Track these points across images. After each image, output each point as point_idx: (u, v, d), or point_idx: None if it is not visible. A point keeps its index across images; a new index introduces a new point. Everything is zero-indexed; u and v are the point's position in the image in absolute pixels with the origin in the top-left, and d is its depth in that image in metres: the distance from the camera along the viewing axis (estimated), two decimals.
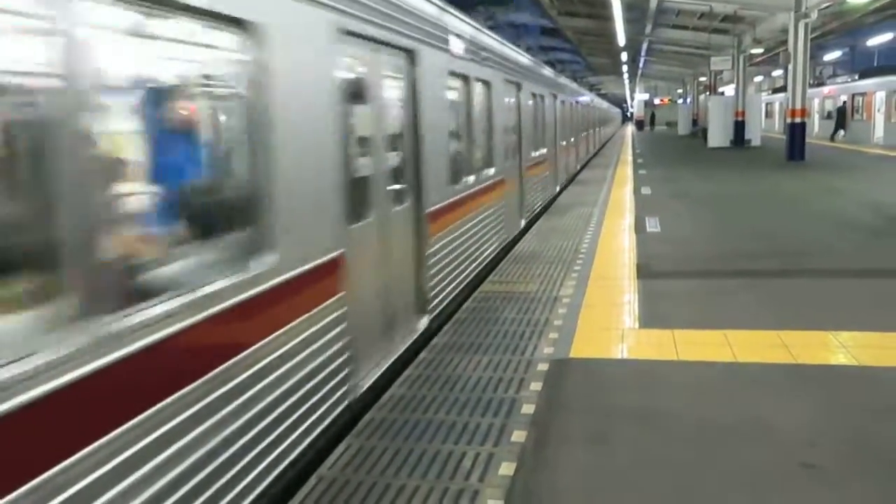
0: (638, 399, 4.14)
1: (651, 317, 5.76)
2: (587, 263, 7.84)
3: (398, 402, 4.19)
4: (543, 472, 3.34)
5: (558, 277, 7.22)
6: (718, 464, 3.36)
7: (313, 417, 3.56)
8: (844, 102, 31.99)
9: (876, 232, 9.36)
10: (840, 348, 4.88)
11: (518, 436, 3.69)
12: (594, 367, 4.72)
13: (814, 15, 20.05)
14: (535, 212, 11.95)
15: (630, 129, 62.51)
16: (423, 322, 5.51)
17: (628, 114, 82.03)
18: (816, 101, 36.27)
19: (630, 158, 25.27)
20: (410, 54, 5.26)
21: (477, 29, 7.85)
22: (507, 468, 3.36)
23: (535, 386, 4.36)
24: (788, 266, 7.53)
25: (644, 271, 7.36)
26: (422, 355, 5.03)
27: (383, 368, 4.64)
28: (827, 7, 20.16)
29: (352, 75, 4.32)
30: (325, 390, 3.68)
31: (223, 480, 2.76)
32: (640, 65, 47.68)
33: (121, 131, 2.52)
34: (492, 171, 8.26)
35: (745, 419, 3.82)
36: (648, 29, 29.18)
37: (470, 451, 3.54)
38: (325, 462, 3.51)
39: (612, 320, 5.72)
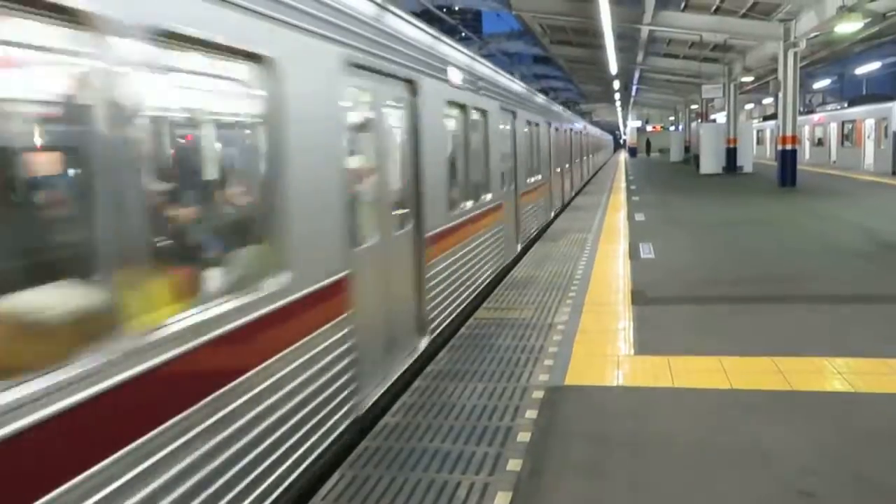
0: (634, 427, 4.11)
1: (646, 343, 5.75)
2: (582, 289, 7.85)
3: (392, 431, 4.15)
4: (539, 501, 3.30)
5: (553, 304, 7.21)
6: (716, 493, 3.34)
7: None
8: None
9: (869, 257, 9.41)
10: (835, 374, 4.88)
11: (513, 464, 3.66)
12: (589, 394, 4.70)
13: (802, 44, 20.37)
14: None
15: (623, 155, 63.10)
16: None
17: (621, 141, 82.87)
18: (807, 129, 36.70)
19: (623, 185, 25.43)
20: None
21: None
22: (502, 498, 3.32)
23: (531, 414, 4.33)
24: (783, 292, 7.54)
25: (638, 297, 7.37)
26: (416, 382, 5.00)
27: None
28: (815, 36, 20.47)
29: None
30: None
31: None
32: (633, 92, 48.18)
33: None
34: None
35: (742, 447, 3.79)
36: (640, 57, 29.53)
37: (465, 481, 3.50)
38: (318, 492, 3.47)
39: (607, 347, 5.70)
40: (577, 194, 21.88)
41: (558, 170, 16.70)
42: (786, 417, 4.18)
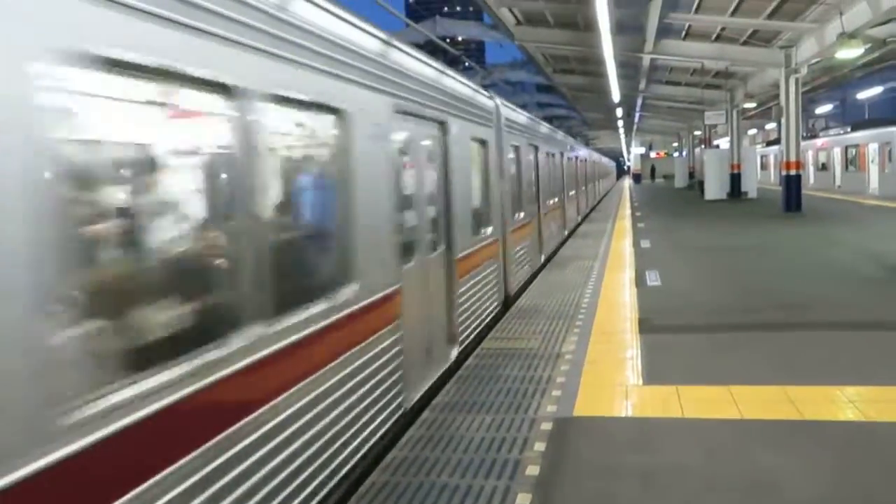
0: (644, 459, 4.07)
1: (654, 373, 5.71)
2: (589, 318, 7.82)
3: (400, 465, 4.11)
4: None
5: (560, 333, 7.18)
6: None
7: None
8: None
9: (877, 283, 9.37)
10: (847, 403, 4.83)
11: (522, 499, 3.62)
12: (598, 425, 4.66)
13: (803, 70, 20.51)
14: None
15: (627, 181, 63.29)
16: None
17: (625, 167, 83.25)
18: (811, 154, 36.78)
19: (628, 212, 25.47)
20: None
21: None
22: None
23: (539, 446, 4.29)
24: (791, 319, 7.50)
25: (646, 326, 7.34)
26: (424, 415, 4.98)
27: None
28: (816, 62, 20.62)
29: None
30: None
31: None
32: (636, 119, 48.47)
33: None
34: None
35: (753, 479, 3.74)
36: (642, 85, 29.78)
37: None
38: None
39: (615, 377, 5.67)
40: (582, 221, 21.92)
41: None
42: (798, 448, 4.13)
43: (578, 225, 19.99)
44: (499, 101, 9.43)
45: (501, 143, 9.03)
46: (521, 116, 11.47)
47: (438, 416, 4.92)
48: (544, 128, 14.56)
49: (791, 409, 4.73)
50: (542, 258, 12.39)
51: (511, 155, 9.77)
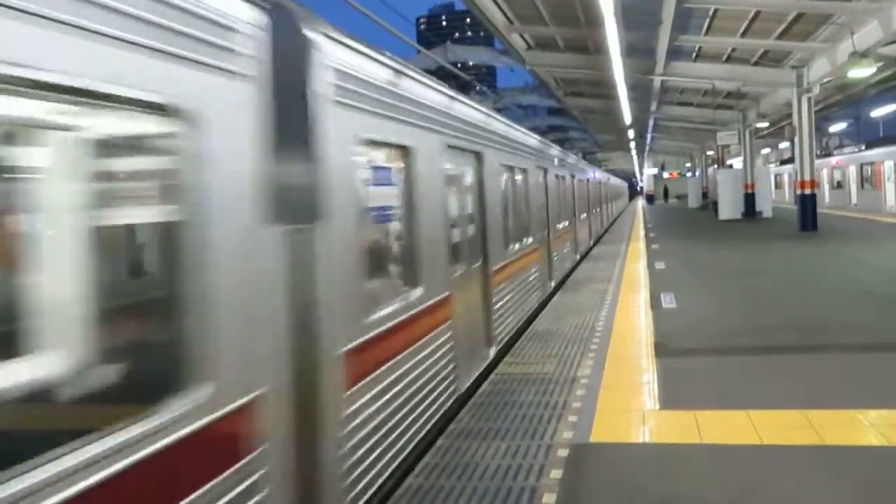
0: (662, 486, 4.01)
1: (671, 397, 5.65)
2: (604, 342, 7.76)
3: (416, 494, 4.08)
4: None
5: (575, 357, 7.13)
6: None
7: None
8: None
9: None
10: (869, 427, 4.74)
11: None
12: (615, 452, 4.60)
13: (816, 89, 20.46)
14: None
15: (641, 202, 63.17)
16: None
17: (638, 188, 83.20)
18: (825, 172, 36.57)
19: (642, 233, 25.38)
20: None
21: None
22: None
23: (556, 473, 4.24)
24: (809, 341, 7.40)
25: (662, 349, 7.27)
26: (439, 442, 4.94)
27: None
28: (828, 81, 20.58)
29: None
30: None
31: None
32: (648, 140, 48.49)
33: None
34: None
35: None
36: (654, 106, 29.82)
37: None
38: None
39: (631, 402, 5.61)
40: (595, 243, 21.86)
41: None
42: (820, 474, 4.06)
43: (590, 249, 19.84)
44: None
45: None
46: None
47: (454, 443, 4.88)
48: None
49: (812, 435, 4.65)
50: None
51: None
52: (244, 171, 2.80)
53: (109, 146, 2.31)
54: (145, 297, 2.62)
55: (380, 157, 4.62)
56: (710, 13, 16.37)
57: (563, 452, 4.57)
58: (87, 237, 2.14)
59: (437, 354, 5.25)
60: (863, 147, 33.24)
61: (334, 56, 3.74)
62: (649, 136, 45.08)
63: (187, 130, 2.45)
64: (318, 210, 3.44)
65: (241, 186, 2.77)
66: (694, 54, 21.06)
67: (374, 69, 4.38)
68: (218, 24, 2.68)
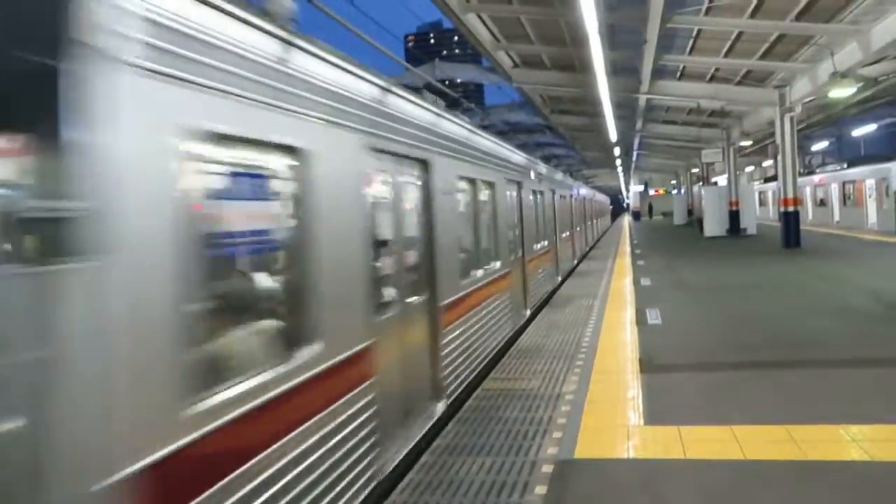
0: (646, 502, 4.01)
1: (656, 413, 5.66)
2: (589, 358, 7.78)
3: None
4: None
5: (560, 373, 7.14)
6: None
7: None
8: None
9: (878, 319, 9.34)
10: (851, 443, 4.78)
11: None
12: (600, 468, 4.60)
13: (798, 109, 20.78)
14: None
15: (627, 219, 63.62)
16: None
17: (624, 205, 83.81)
18: (808, 190, 37.01)
19: (628, 249, 25.52)
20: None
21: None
22: None
23: (540, 490, 4.24)
24: (792, 357, 7.46)
25: (647, 365, 7.30)
26: (423, 458, 4.92)
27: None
28: (810, 101, 20.90)
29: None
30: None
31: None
32: (634, 158, 48.89)
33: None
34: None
35: None
36: (639, 124, 30.09)
37: None
38: None
39: (616, 417, 5.62)
40: (579, 262, 21.89)
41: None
42: (803, 489, 4.08)
43: (574, 269, 19.42)
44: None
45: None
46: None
47: (438, 459, 4.86)
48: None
49: (795, 450, 4.68)
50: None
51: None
52: None
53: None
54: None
55: (239, 158, 3.24)
56: (694, 33, 16.63)
57: (547, 468, 4.57)
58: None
59: (346, 431, 3.89)
60: (845, 165, 33.70)
61: None
62: (635, 153, 45.46)
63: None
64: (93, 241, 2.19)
65: None
66: (678, 73, 21.34)
67: (223, 24, 2.99)
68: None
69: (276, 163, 3.53)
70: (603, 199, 49.23)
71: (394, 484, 4.57)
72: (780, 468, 4.40)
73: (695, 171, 45.40)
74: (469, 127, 8.00)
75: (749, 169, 53.25)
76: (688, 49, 17.94)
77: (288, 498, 3.19)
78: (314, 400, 3.56)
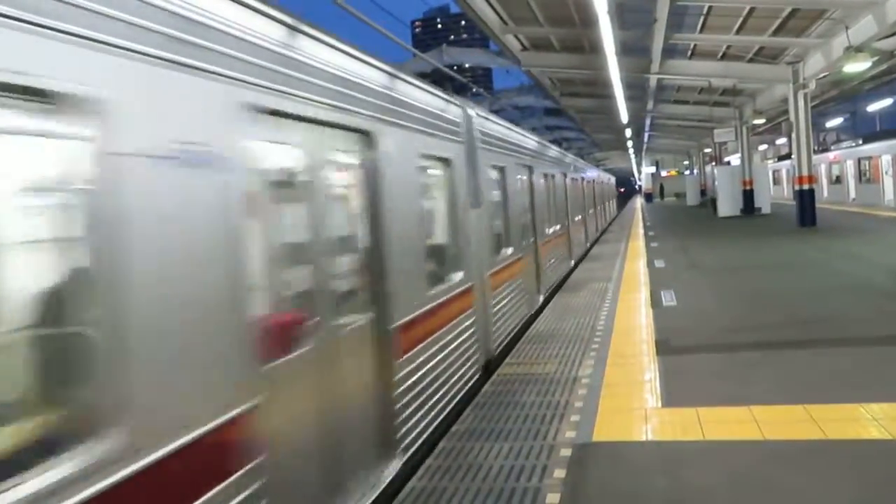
0: (666, 484, 4.01)
1: (673, 395, 5.65)
2: (605, 341, 7.76)
3: (419, 496, 4.08)
4: None
5: (577, 356, 7.13)
6: None
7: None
8: None
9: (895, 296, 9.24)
10: (871, 421, 4.74)
11: None
12: (618, 451, 4.60)
13: (812, 85, 20.48)
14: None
15: (639, 201, 63.28)
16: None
17: (636, 186, 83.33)
18: (823, 167, 36.59)
19: (641, 231, 25.39)
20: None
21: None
22: None
23: (559, 473, 4.24)
24: (810, 335, 7.41)
25: (663, 347, 7.27)
26: (441, 444, 4.94)
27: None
28: (824, 76, 20.60)
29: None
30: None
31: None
32: (645, 139, 48.53)
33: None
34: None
35: (780, 502, 3.67)
36: (650, 105, 29.84)
37: None
38: None
39: (633, 400, 5.61)
40: (592, 246, 21.82)
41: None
42: (823, 469, 4.06)
43: (587, 252, 19.32)
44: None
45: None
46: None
47: (456, 444, 4.88)
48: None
49: (814, 429, 4.65)
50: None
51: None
52: None
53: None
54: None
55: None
56: (705, 11, 16.39)
57: (566, 452, 4.57)
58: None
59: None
60: (860, 142, 33.25)
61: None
62: (646, 134, 45.11)
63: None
64: None
65: None
66: (689, 52, 21.08)
67: None
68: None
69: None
70: (614, 181, 48.82)
71: (413, 469, 4.46)
72: (800, 448, 4.38)
73: (707, 150, 44.99)
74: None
75: (762, 147, 52.71)
76: (698, 27, 17.70)
77: None
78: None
